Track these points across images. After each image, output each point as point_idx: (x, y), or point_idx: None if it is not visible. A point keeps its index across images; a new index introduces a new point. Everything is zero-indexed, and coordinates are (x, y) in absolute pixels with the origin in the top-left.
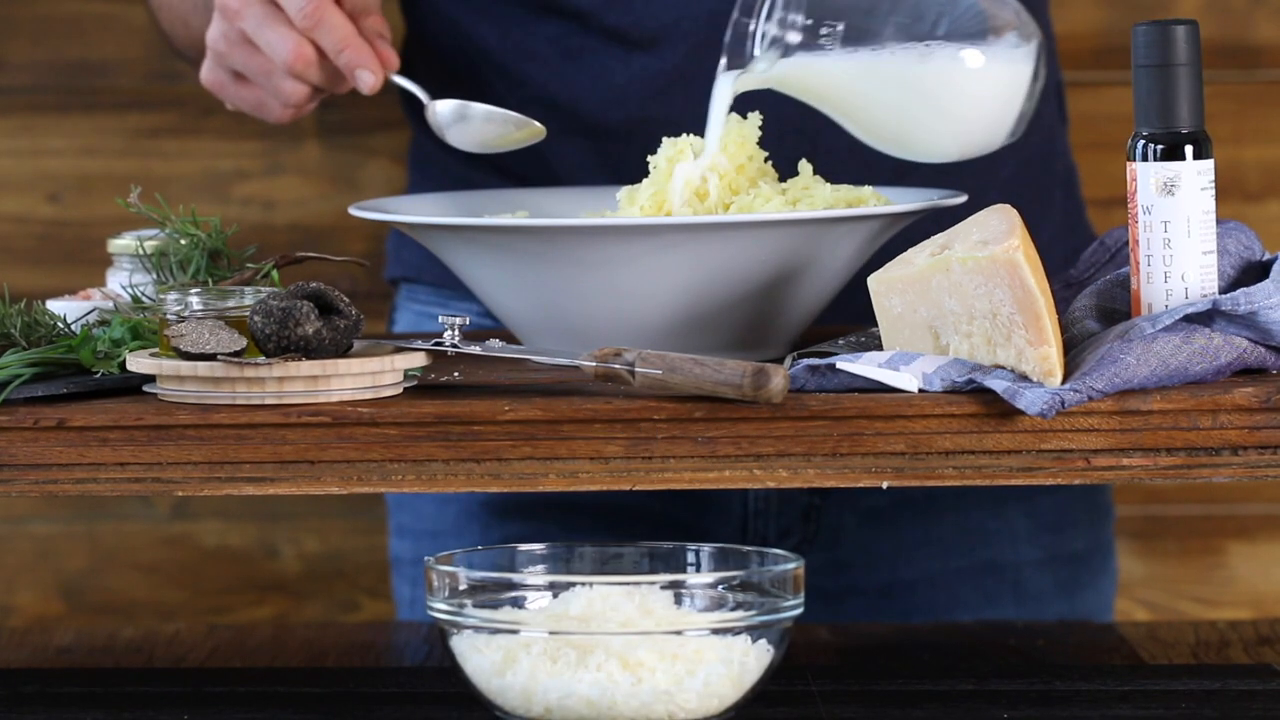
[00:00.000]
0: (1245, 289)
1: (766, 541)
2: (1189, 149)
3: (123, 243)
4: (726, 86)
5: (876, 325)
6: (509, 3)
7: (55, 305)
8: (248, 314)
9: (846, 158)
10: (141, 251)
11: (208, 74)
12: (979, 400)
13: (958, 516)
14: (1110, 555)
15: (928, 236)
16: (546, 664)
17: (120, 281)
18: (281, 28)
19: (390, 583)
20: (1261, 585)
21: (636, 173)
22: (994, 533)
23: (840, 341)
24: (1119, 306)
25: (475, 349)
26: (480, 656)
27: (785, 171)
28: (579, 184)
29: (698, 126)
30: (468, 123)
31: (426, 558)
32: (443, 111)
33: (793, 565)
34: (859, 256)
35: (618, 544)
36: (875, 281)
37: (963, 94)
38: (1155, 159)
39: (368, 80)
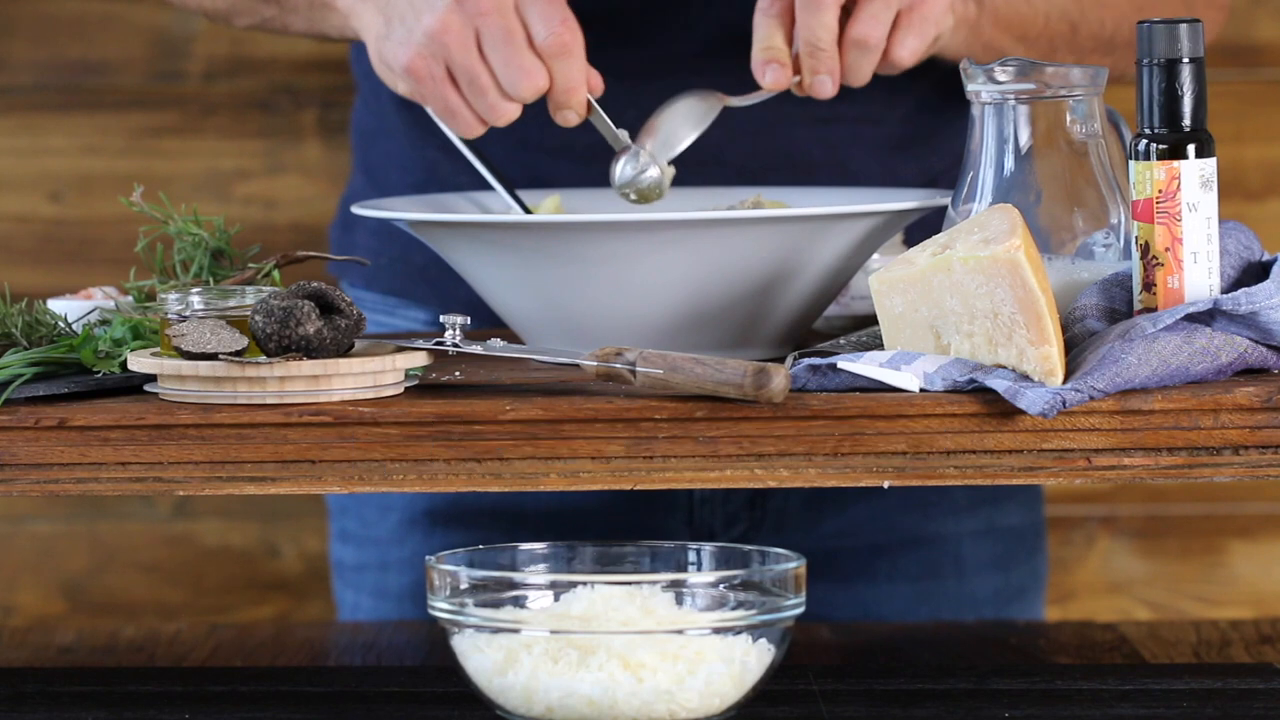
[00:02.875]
0: (1246, 289)
1: (713, 531)
2: (1191, 148)
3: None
4: None
5: (878, 325)
6: None
7: (56, 304)
8: (249, 313)
9: (821, 162)
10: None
11: (418, 60)
12: (980, 400)
13: (901, 490)
14: (1042, 535)
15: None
16: (548, 663)
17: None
18: (525, 53)
19: (332, 586)
20: (1263, 584)
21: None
22: (934, 504)
23: (841, 341)
24: (1119, 306)
25: (476, 348)
26: (481, 656)
27: (759, 179)
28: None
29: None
30: (639, 180)
31: (428, 557)
32: (628, 167)
33: (794, 564)
34: (858, 255)
35: (619, 543)
36: (877, 281)
37: None
38: (1158, 158)
39: (571, 121)
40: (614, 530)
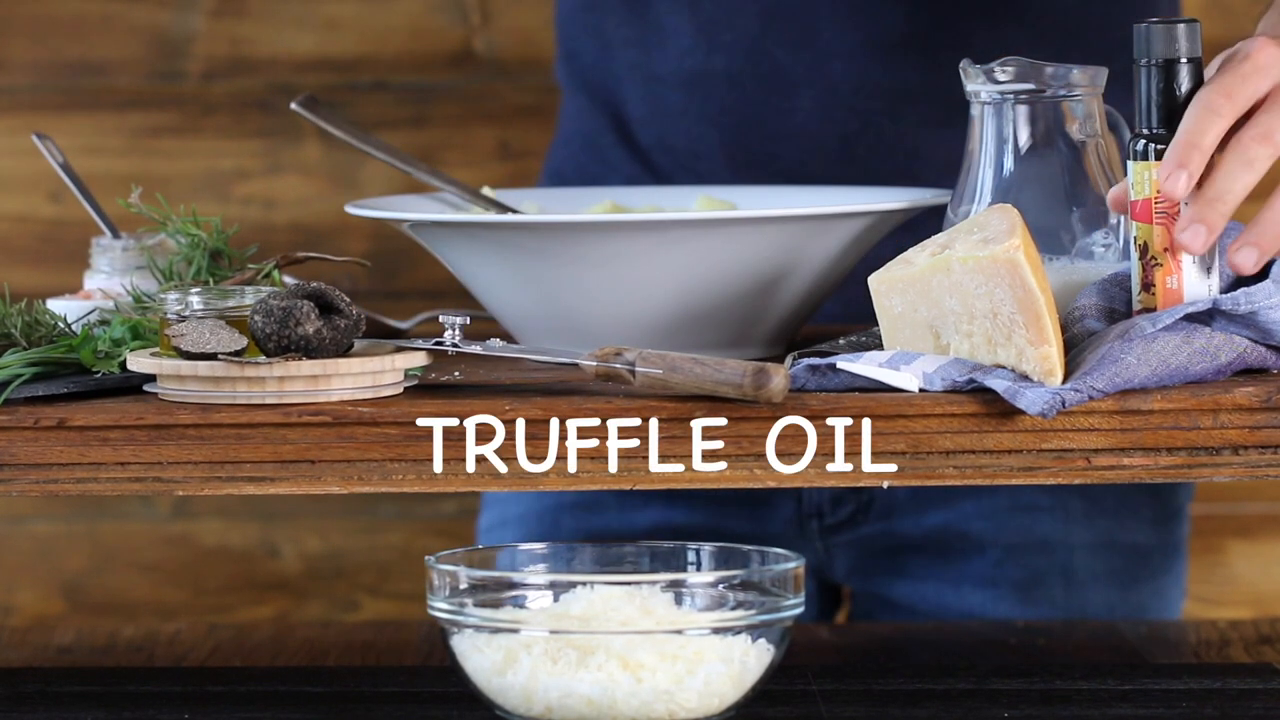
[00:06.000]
0: (1245, 289)
1: (822, 511)
2: None
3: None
4: None
5: (877, 325)
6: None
7: (56, 305)
8: (248, 313)
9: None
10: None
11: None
12: (980, 400)
13: (1011, 491)
14: (1178, 558)
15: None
16: (547, 664)
17: (98, 284)
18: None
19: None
20: (1262, 584)
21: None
22: (1046, 509)
23: (841, 341)
24: (1119, 306)
25: (476, 348)
26: (481, 656)
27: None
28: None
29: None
30: None
31: (427, 557)
32: None
33: (793, 564)
34: (854, 253)
35: (618, 544)
36: (876, 281)
37: None
38: (1156, 158)
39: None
40: (727, 501)
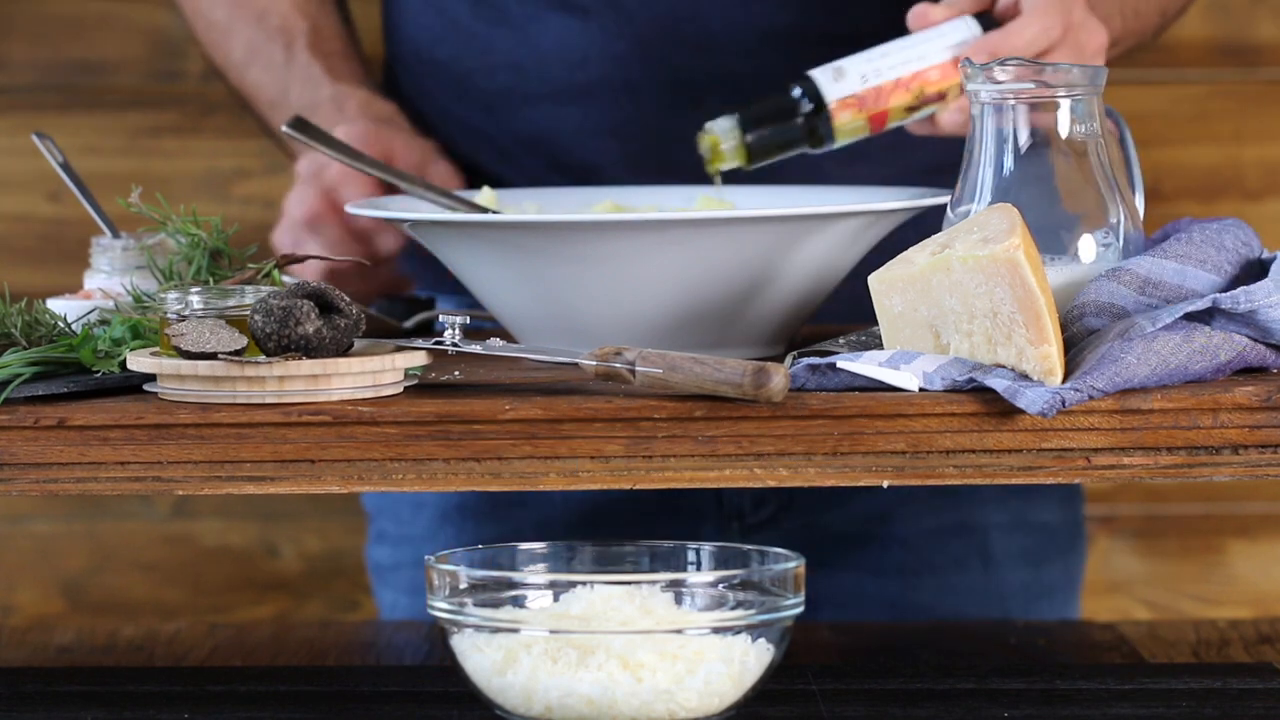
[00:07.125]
0: (1245, 287)
1: (743, 511)
2: None
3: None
4: None
5: (877, 324)
6: None
7: (56, 304)
8: (248, 313)
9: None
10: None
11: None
12: (980, 399)
13: None
14: (1080, 536)
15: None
16: (547, 663)
17: (98, 284)
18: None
19: (372, 590)
20: (1262, 584)
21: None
22: (964, 495)
23: (841, 340)
24: (1119, 305)
25: (476, 348)
26: (481, 656)
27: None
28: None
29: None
30: None
31: (427, 557)
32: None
33: (793, 564)
34: (854, 253)
35: (618, 543)
36: (876, 280)
37: None
38: None
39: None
40: (646, 513)
